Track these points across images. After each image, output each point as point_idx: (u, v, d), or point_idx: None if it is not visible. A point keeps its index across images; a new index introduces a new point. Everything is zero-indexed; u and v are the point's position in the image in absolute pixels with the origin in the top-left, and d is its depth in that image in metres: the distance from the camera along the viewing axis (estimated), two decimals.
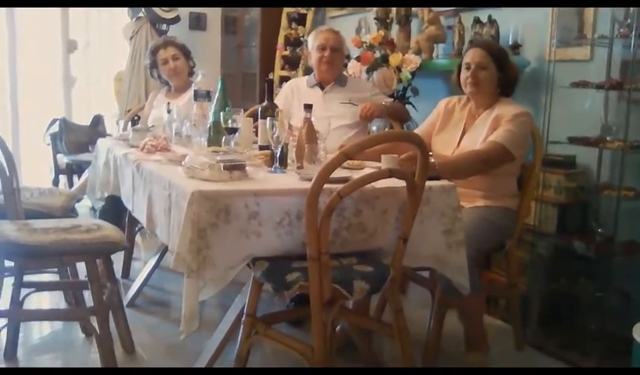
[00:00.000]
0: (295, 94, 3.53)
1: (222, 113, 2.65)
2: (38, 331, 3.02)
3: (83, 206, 4.35)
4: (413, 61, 3.77)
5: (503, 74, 2.79)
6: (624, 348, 2.25)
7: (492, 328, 3.03)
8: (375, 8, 4.18)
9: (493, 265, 3.28)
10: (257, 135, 2.91)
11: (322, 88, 3.50)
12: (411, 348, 2.23)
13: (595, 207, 3.05)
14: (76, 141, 5.06)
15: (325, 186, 1.94)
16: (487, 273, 3.25)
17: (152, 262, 3.48)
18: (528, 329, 3.01)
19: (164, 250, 3.38)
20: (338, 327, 2.69)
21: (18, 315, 2.58)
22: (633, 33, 2.62)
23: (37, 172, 5.49)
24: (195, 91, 3.11)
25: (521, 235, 2.96)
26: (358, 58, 4.00)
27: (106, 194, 3.25)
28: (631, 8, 2.65)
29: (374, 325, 2.54)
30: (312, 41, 3.51)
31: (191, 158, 2.23)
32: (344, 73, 3.74)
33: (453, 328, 2.84)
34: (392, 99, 3.66)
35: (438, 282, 2.59)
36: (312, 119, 2.50)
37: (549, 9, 3.21)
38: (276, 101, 3.25)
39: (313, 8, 5.17)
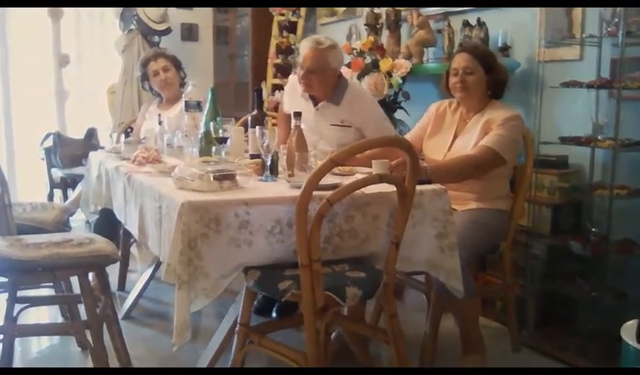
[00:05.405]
0: (292, 94, 3.22)
1: (212, 123, 2.65)
2: (35, 346, 3.01)
3: (78, 220, 4.34)
4: (403, 65, 3.77)
5: (492, 76, 2.79)
6: (621, 347, 2.24)
7: (488, 330, 3.03)
8: (365, 15, 4.19)
9: (488, 267, 3.27)
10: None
11: (315, 103, 3.09)
12: (407, 353, 2.23)
13: (588, 206, 3.05)
14: (70, 154, 5.07)
15: (316, 193, 1.95)
16: (482, 275, 3.25)
17: (148, 273, 3.47)
18: (525, 330, 3.01)
19: (159, 261, 3.35)
20: (333, 334, 2.69)
21: (12, 330, 2.57)
22: (621, 31, 2.63)
23: (31, 186, 5.48)
24: (186, 101, 3.12)
25: (516, 236, 2.96)
26: (349, 65, 4.00)
27: (99, 208, 3.24)
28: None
29: (368, 331, 2.54)
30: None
31: (181, 170, 2.23)
32: (346, 87, 3.08)
33: (449, 331, 2.84)
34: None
35: (433, 285, 2.59)
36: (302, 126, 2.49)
37: (537, 10, 3.21)
38: (284, 99, 3.23)
39: (303, 16, 5.17)
